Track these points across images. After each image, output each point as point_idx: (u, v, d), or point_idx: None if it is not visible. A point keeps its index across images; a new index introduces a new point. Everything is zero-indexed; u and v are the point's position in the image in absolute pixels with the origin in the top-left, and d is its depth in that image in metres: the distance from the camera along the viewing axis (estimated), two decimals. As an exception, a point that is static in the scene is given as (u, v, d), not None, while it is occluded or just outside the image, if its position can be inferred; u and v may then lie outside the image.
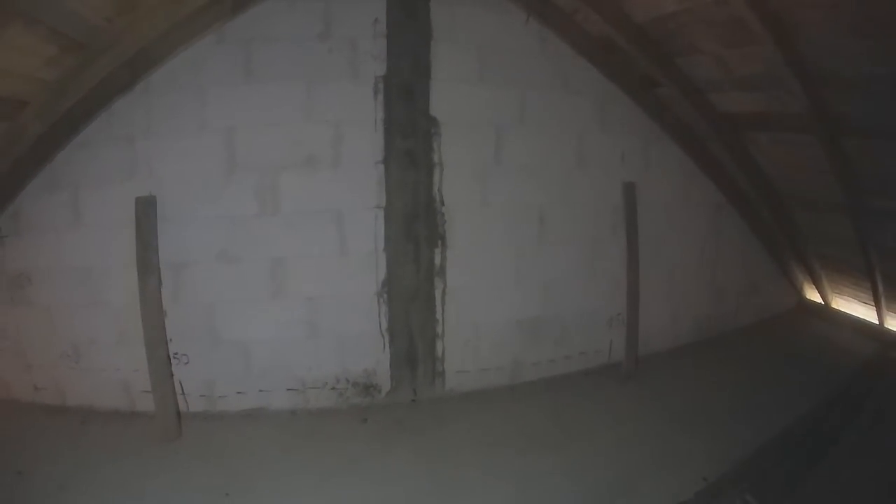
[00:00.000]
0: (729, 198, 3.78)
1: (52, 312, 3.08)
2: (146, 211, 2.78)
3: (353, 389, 3.11)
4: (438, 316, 3.10)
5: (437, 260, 3.04)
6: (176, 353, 2.95)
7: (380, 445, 2.72)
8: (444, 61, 2.95)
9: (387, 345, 3.07)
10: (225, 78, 2.80)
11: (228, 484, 2.43)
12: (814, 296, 4.35)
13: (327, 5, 2.83)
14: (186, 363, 3.00)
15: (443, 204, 3.01)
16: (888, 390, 3.11)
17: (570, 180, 3.26)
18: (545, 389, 3.26)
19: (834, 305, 4.24)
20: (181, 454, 2.70)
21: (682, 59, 3.13)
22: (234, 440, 2.82)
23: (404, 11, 2.90)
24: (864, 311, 3.92)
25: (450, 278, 3.07)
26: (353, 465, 2.56)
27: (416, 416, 3.01)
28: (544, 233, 3.23)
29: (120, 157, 2.85)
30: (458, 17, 2.97)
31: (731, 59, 2.93)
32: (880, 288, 3.56)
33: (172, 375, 2.90)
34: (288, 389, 3.07)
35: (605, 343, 3.49)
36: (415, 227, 2.98)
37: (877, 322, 3.77)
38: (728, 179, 3.70)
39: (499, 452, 2.61)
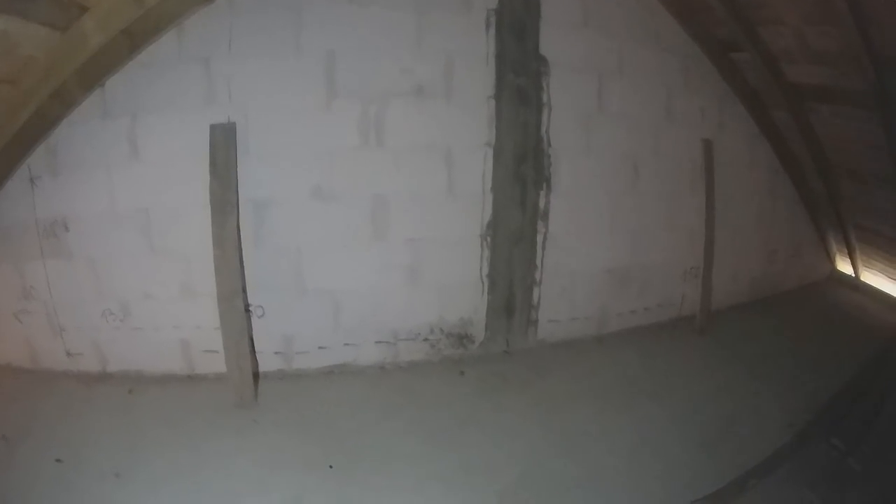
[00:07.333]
0: (783, 163, 3.96)
1: (94, 264, 2.66)
2: (224, 141, 2.43)
3: (446, 340, 2.97)
4: (538, 262, 3.03)
5: (542, 203, 2.97)
6: (249, 306, 2.65)
7: (486, 400, 2.59)
8: (552, 1, 2.88)
9: (486, 291, 2.97)
10: (326, -6, 2.54)
11: (329, 454, 2.13)
12: (844, 267, 4.59)
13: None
14: (261, 316, 2.72)
15: (550, 145, 2.94)
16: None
17: (660, 133, 3.29)
18: (630, 340, 3.27)
19: (862, 278, 4.46)
20: (264, 423, 2.36)
21: (764, 28, 3.24)
22: (322, 402, 2.53)
23: (511, -54, 2.81)
24: (891, 286, 4.10)
25: (551, 223, 3.01)
26: (464, 423, 2.38)
27: (514, 367, 2.92)
28: (637, 182, 3.24)
29: (192, 79, 2.51)
30: (564, -42, 2.92)
31: (809, 35, 3.06)
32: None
33: (249, 330, 2.60)
34: (377, 342, 2.88)
35: (678, 296, 3.55)
36: (523, 168, 2.89)
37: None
38: (785, 145, 3.88)
39: (607, 402, 2.59)
